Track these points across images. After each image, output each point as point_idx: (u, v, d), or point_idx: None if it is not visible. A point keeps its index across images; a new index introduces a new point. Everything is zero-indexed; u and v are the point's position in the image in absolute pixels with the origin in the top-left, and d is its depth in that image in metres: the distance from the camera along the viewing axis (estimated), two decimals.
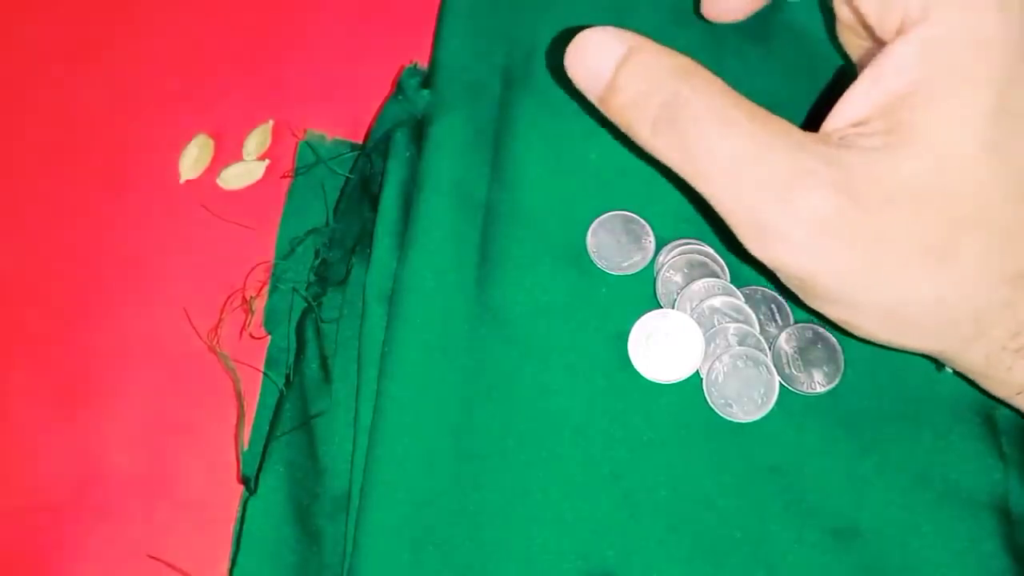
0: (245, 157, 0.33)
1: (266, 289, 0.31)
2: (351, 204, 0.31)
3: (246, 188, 0.32)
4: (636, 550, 0.27)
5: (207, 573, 0.28)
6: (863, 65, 0.25)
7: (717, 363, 0.28)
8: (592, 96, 0.26)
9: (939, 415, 0.28)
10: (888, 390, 0.28)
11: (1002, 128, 0.23)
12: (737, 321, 0.29)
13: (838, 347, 0.28)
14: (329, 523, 0.28)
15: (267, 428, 0.29)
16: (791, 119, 0.24)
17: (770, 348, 0.29)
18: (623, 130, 0.26)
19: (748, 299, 0.29)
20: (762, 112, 0.24)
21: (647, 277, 0.30)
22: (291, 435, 0.28)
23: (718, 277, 0.29)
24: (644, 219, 0.30)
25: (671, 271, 0.29)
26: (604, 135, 0.31)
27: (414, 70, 0.33)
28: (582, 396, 0.28)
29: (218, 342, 0.30)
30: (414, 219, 0.30)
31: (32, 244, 0.32)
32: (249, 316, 0.31)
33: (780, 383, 0.28)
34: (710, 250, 0.30)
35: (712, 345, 0.29)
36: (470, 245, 0.30)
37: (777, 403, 0.28)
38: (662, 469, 0.28)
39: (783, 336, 0.29)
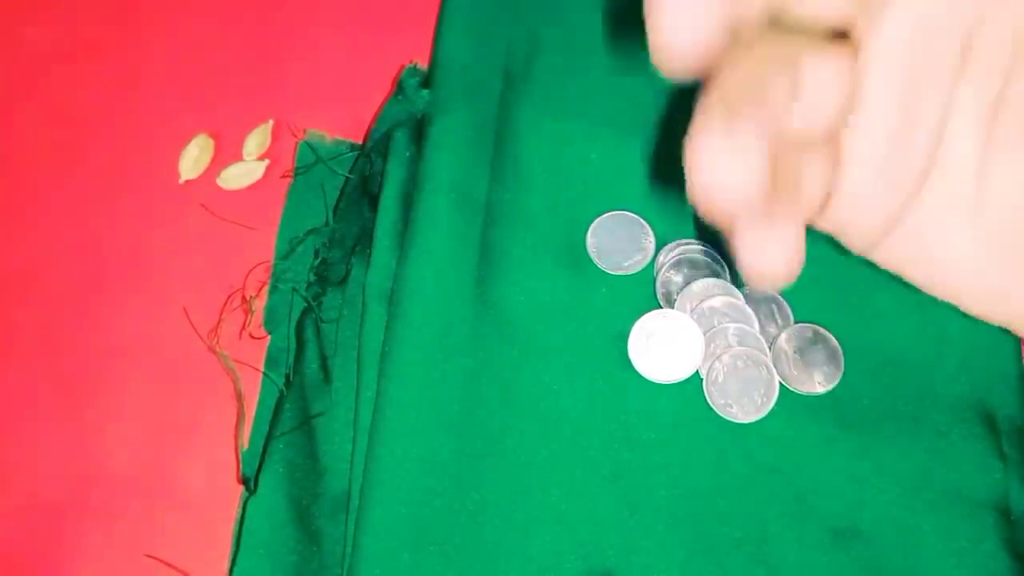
0: (245, 157, 0.33)
1: (266, 289, 0.31)
2: (351, 204, 0.31)
3: (246, 188, 0.32)
4: (636, 550, 0.27)
5: (207, 573, 0.28)
6: None
7: (717, 363, 0.28)
8: None
9: (939, 415, 0.28)
10: (888, 390, 0.28)
11: None
12: (737, 321, 0.29)
13: (838, 347, 0.28)
14: (329, 523, 0.28)
15: (267, 428, 0.29)
16: None
17: (770, 348, 0.29)
18: None
19: (748, 299, 0.29)
20: None
21: (647, 277, 0.30)
22: (291, 435, 0.28)
23: (718, 277, 0.29)
24: (644, 219, 0.30)
25: (671, 271, 0.29)
26: (604, 135, 0.31)
27: (414, 70, 0.33)
28: (582, 396, 0.28)
29: (218, 342, 0.30)
30: (414, 219, 0.30)
31: (32, 244, 0.32)
32: (249, 316, 0.31)
33: (780, 383, 0.28)
34: (710, 250, 0.30)
35: (712, 345, 0.28)
36: (470, 245, 0.30)
37: (777, 403, 0.28)
38: (662, 469, 0.28)
39: (783, 336, 0.29)
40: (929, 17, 0.21)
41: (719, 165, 0.18)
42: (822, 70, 0.19)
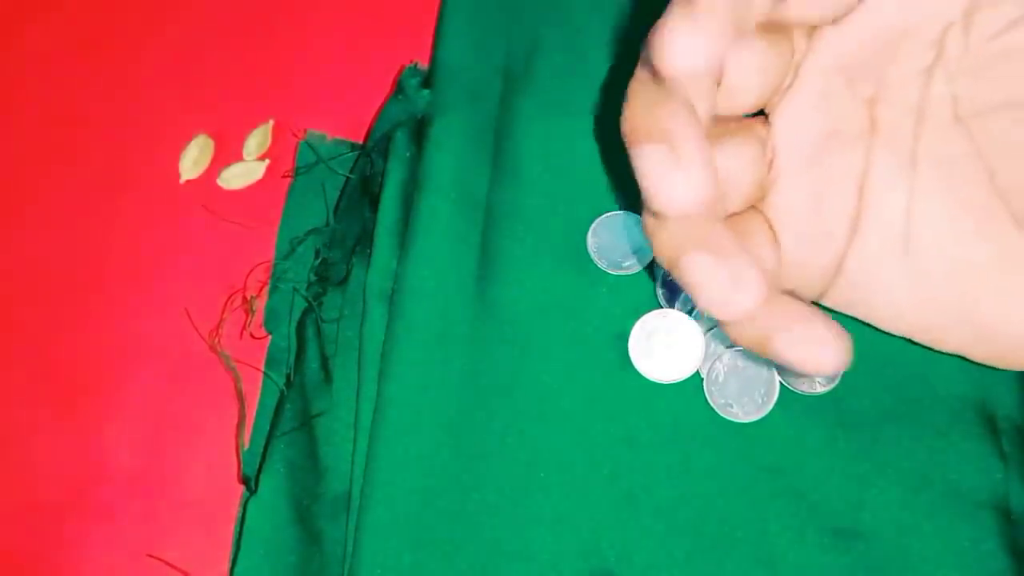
0: (245, 157, 0.33)
1: (266, 289, 0.31)
2: (351, 204, 0.31)
3: (246, 188, 0.32)
4: (636, 550, 0.27)
5: (207, 573, 0.28)
6: None
7: (717, 363, 0.28)
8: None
9: (939, 415, 0.28)
10: (888, 390, 0.28)
11: None
12: None
13: None
14: (330, 524, 0.28)
15: (268, 428, 0.29)
16: None
17: None
18: None
19: None
20: None
21: (647, 277, 0.30)
22: (292, 435, 0.28)
23: None
24: None
25: None
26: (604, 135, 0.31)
27: (414, 70, 0.33)
28: (582, 396, 0.28)
29: (219, 342, 0.30)
30: (414, 219, 0.30)
31: (32, 244, 0.32)
32: (250, 316, 0.31)
33: (780, 383, 0.28)
34: None
35: (712, 345, 0.29)
36: (470, 245, 0.30)
37: (777, 403, 0.28)
38: (662, 469, 0.28)
39: None
40: (829, 95, 0.23)
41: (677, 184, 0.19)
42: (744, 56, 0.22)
